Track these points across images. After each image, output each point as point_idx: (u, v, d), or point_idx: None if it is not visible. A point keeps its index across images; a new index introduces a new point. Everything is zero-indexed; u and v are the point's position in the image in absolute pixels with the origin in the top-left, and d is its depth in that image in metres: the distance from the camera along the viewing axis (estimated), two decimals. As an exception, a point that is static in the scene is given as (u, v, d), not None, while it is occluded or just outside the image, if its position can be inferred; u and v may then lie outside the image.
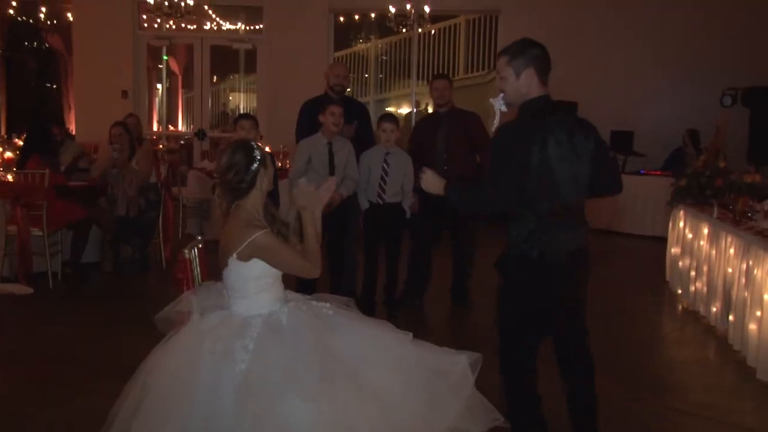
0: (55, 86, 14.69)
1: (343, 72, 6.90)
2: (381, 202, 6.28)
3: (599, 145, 3.48)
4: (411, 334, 3.16)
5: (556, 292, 3.44)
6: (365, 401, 2.83)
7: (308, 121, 6.42)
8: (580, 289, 3.59)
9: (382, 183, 6.25)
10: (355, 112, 6.86)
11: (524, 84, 3.37)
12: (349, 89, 7.23)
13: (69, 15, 13.10)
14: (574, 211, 3.40)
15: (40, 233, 7.15)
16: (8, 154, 8.30)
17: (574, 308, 3.59)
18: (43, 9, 13.51)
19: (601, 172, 3.49)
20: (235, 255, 3.00)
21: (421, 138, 6.82)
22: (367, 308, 6.23)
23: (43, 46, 14.73)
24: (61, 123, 9.24)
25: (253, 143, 3.21)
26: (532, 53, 3.40)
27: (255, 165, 3.10)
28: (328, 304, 3.19)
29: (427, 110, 13.27)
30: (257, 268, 3.01)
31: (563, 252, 3.34)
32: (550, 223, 3.32)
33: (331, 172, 6.07)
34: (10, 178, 7.66)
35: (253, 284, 3.04)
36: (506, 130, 3.42)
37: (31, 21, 13.89)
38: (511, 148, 3.32)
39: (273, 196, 4.74)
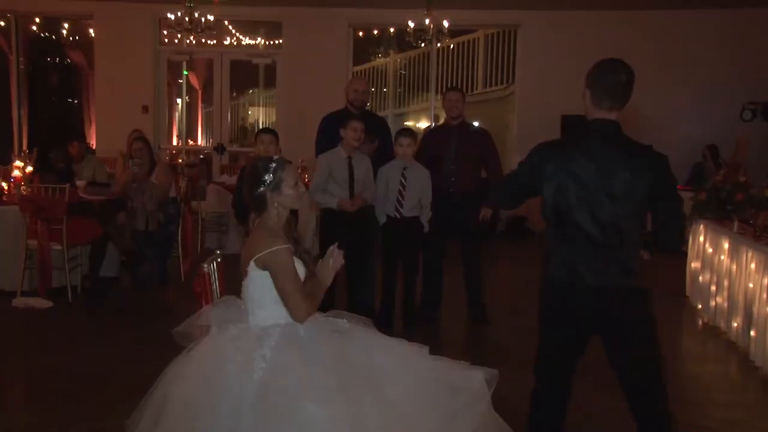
0: (76, 101, 14.81)
1: (363, 87, 6.92)
2: (399, 216, 6.31)
3: (657, 188, 3.19)
4: (428, 347, 3.16)
5: (569, 321, 3.42)
6: (382, 411, 2.84)
7: (328, 136, 6.44)
8: (621, 334, 3.37)
9: (399, 197, 6.29)
10: (376, 126, 6.89)
11: (586, 104, 3.36)
12: (368, 104, 7.25)
13: (91, 31, 13.23)
14: (602, 245, 3.22)
15: (60, 248, 7.20)
16: (29, 169, 8.36)
17: (621, 357, 3.43)
18: (66, 25, 13.71)
19: (654, 218, 3.30)
20: (253, 262, 3.04)
21: (430, 147, 6.85)
22: (386, 322, 6.27)
23: (66, 62, 14.87)
24: (82, 138, 9.27)
25: (269, 165, 3.20)
26: (592, 76, 3.35)
27: (262, 188, 3.14)
28: (344, 320, 3.19)
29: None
30: None
31: (581, 282, 3.26)
32: (564, 249, 3.32)
33: (351, 186, 6.12)
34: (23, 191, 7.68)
35: (272, 294, 3.05)
36: (546, 142, 3.46)
37: (53, 37, 14.05)
38: (532, 157, 3.39)
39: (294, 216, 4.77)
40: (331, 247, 3.25)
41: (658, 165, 3.23)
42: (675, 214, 3.31)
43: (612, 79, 3.27)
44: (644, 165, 3.20)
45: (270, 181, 3.14)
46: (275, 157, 3.29)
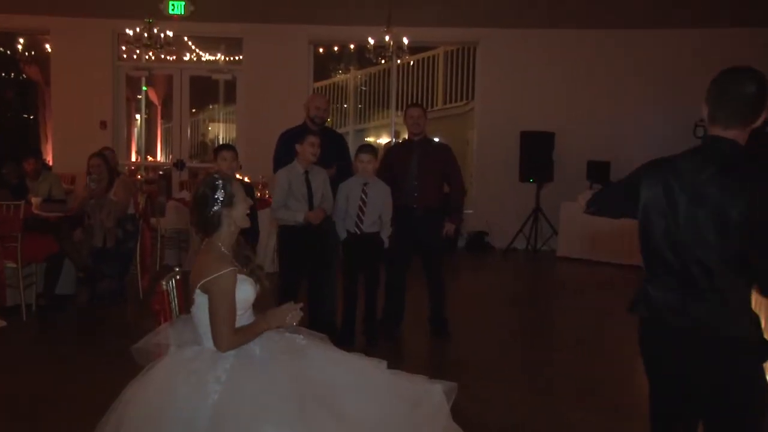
0: (32, 117, 14.68)
1: (324, 104, 6.91)
2: (359, 232, 6.31)
3: (758, 222, 2.63)
4: (386, 362, 3.17)
5: (652, 359, 3.00)
6: (340, 429, 2.83)
7: (285, 151, 6.43)
8: (706, 384, 2.78)
9: (360, 213, 6.29)
10: (334, 142, 6.91)
11: (706, 120, 2.90)
12: (329, 120, 7.29)
13: (47, 46, 13.12)
14: (694, 279, 2.73)
15: (14, 265, 7.11)
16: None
17: (701, 405, 2.86)
18: (21, 40, 13.58)
19: (751, 254, 2.67)
20: (199, 288, 3.03)
21: (393, 163, 6.86)
22: (347, 337, 6.27)
23: (21, 77, 14.74)
24: (38, 154, 9.21)
25: (216, 183, 3.17)
26: (710, 88, 2.87)
27: (216, 207, 3.12)
28: (301, 336, 3.19)
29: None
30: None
31: (664, 319, 2.83)
32: (648, 278, 2.92)
33: (310, 200, 6.13)
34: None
35: None
36: (655, 159, 2.98)
37: (8, 52, 13.93)
38: (638, 169, 2.98)
39: (252, 227, 4.75)
40: (291, 304, 3.20)
41: (765, 194, 2.65)
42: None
43: (733, 91, 2.76)
44: (746, 193, 2.64)
45: (222, 198, 3.12)
46: (216, 175, 3.26)
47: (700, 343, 2.72)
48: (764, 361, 2.73)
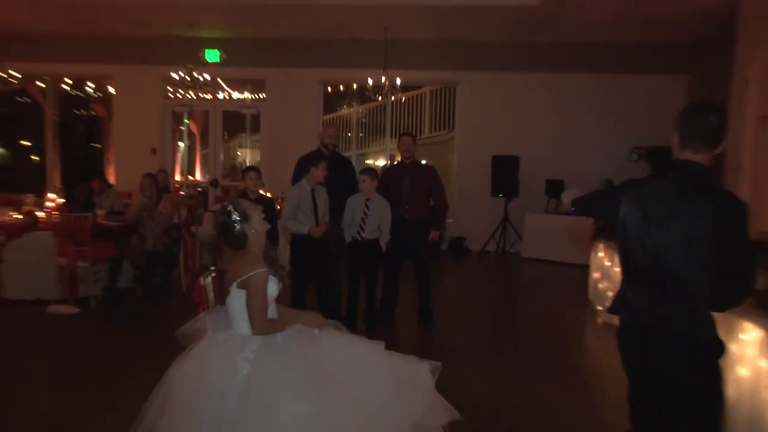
0: (99, 146, 14.75)
1: (335, 133, 6.92)
2: (360, 238, 6.31)
3: (720, 236, 2.55)
4: (384, 344, 3.16)
5: (629, 356, 2.90)
6: (347, 401, 2.83)
7: (303, 172, 6.46)
8: (670, 376, 2.71)
9: (362, 223, 6.29)
10: (343, 165, 6.89)
11: (674, 145, 2.79)
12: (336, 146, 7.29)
13: (110, 89, 13.19)
14: (663, 284, 2.68)
15: (85, 264, 7.21)
16: (60, 200, 8.38)
17: (668, 398, 2.74)
18: (90, 84, 13.65)
19: (714, 269, 2.59)
20: (236, 284, 3.02)
21: (389, 183, 6.78)
22: (350, 325, 6.26)
23: (90, 114, 14.81)
24: (102, 175, 9.25)
25: (227, 207, 3.17)
26: (680, 118, 2.77)
27: (237, 225, 3.12)
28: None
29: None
30: None
31: (637, 318, 2.77)
32: (625, 282, 2.86)
33: (315, 213, 6.10)
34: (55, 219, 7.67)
35: None
36: (632, 179, 2.91)
37: (80, 94, 14.00)
38: (619, 186, 2.90)
39: (272, 236, 4.76)
40: (331, 322, 3.28)
41: (726, 215, 2.57)
42: (731, 270, 2.58)
43: (702, 121, 2.70)
44: (712, 212, 2.57)
45: (239, 217, 3.12)
46: (225, 203, 3.25)
47: (666, 340, 2.66)
48: (720, 357, 2.65)
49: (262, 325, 3.03)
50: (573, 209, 3.16)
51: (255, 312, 3.02)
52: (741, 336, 3.81)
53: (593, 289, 7.85)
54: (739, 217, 2.56)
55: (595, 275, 7.76)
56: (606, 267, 7.25)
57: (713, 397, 2.66)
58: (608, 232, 7.07)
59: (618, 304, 2.84)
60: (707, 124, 2.68)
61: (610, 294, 6.92)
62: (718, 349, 2.66)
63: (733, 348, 3.81)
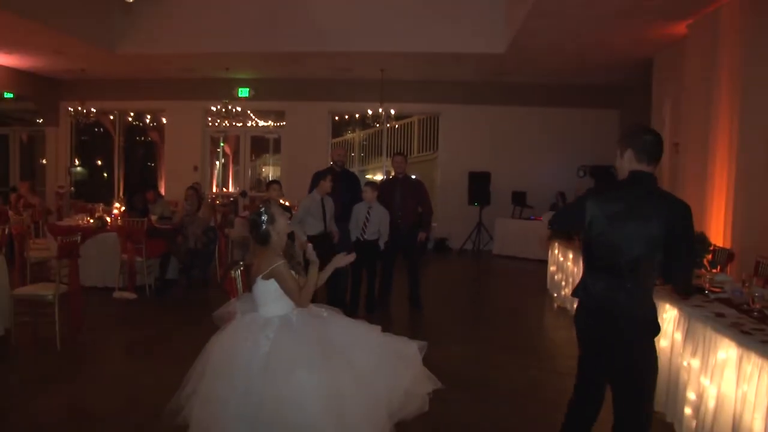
0: (153, 164, 14.86)
1: (343, 152, 7.02)
2: (362, 239, 6.32)
3: (670, 235, 2.56)
4: (380, 327, 3.15)
5: (584, 332, 2.85)
6: (351, 373, 2.81)
7: (316, 184, 6.42)
8: (617, 349, 2.68)
9: (364, 226, 6.31)
10: (351, 179, 6.86)
11: (625, 160, 2.74)
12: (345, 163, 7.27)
13: (163, 119, 13.26)
14: (621, 274, 2.64)
15: (141, 259, 7.25)
16: (123, 208, 8.51)
17: (612, 366, 2.73)
18: (148, 116, 13.77)
19: (666, 260, 2.60)
20: (260, 277, 2.98)
21: (384, 194, 6.69)
22: (353, 309, 6.29)
23: (147, 140, 14.91)
24: (156, 188, 9.28)
25: (260, 209, 3.12)
26: (630, 139, 2.74)
27: (264, 225, 3.07)
28: (323, 310, 3.16)
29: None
30: (274, 285, 2.98)
31: (596, 302, 2.73)
32: (587, 272, 2.80)
33: (324, 218, 6.10)
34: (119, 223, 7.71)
35: (272, 296, 2.99)
36: (593, 190, 2.85)
37: (140, 123, 14.10)
38: (585, 195, 2.81)
39: (291, 237, 4.75)
40: (344, 253, 3.26)
41: (674, 216, 2.57)
42: (682, 258, 2.59)
43: (650, 140, 2.69)
44: (663, 214, 2.57)
45: (266, 218, 3.07)
46: (260, 205, 3.19)
47: (616, 319, 2.65)
48: (656, 335, 2.67)
49: (300, 300, 2.99)
50: (552, 227, 3.03)
51: (291, 293, 2.97)
52: (663, 315, 3.87)
53: (550, 280, 7.86)
54: (686, 215, 2.57)
55: (552, 268, 7.78)
56: (561, 262, 7.28)
57: (648, 367, 2.67)
58: (560, 235, 7.09)
59: (580, 290, 2.81)
60: (656, 142, 2.69)
61: (563, 283, 7.01)
62: (656, 329, 2.68)
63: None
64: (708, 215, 6.53)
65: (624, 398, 2.67)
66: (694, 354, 3.42)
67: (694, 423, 3.34)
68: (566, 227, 3.25)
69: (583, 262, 2.84)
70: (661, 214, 2.57)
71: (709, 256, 4.00)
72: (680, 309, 3.69)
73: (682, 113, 7.55)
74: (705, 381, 3.26)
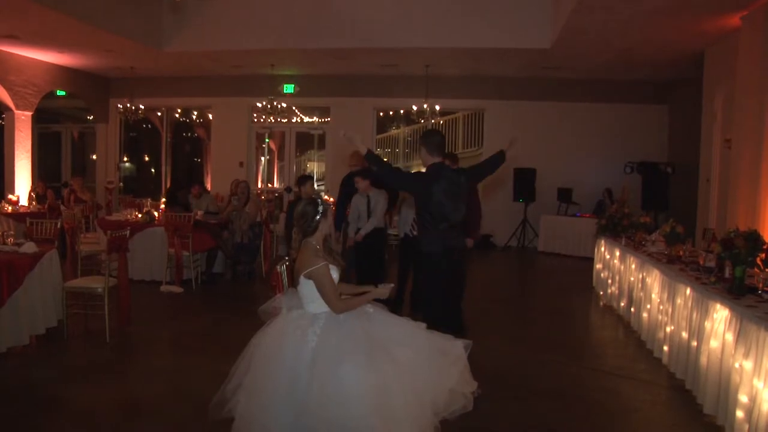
0: (199, 160, 15.20)
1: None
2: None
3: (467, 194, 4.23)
4: (425, 324, 3.15)
5: (439, 265, 4.08)
6: (396, 368, 2.81)
7: (347, 185, 6.44)
8: (456, 270, 4.31)
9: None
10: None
11: (423, 154, 4.22)
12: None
13: (210, 115, 13.55)
14: (454, 226, 4.11)
15: (188, 253, 7.36)
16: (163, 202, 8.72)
17: (453, 282, 4.33)
18: (195, 112, 14.10)
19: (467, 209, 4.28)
20: (303, 276, 2.98)
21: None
22: (396, 307, 6.17)
23: (194, 136, 15.28)
24: (202, 183, 9.50)
25: (319, 200, 3.14)
26: (426, 139, 4.23)
27: (318, 216, 3.09)
28: (369, 306, 3.15)
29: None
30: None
31: (443, 245, 4.06)
32: (434, 227, 4.09)
33: (369, 212, 6.11)
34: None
35: (317, 294, 2.99)
36: (420, 172, 4.40)
37: (187, 120, 14.44)
38: (420, 175, 4.30)
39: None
40: (387, 284, 3.17)
41: (467, 179, 4.18)
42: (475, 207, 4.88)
43: (438, 140, 4.20)
44: (463, 179, 4.14)
45: (322, 211, 3.10)
46: (314, 196, 3.21)
47: (454, 254, 4.11)
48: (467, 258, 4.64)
49: (337, 305, 2.97)
50: (375, 169, 4.37)
51: (328, 297, 2.95)
52: (714, 315, 3.75)
53: (596, 278, 7.75)
54: (467, 180, 4.23)
55: (598, 266, 7.65)
56: (607, 260, 7.15)
57: (464, 277, 4.98)
58: (610, 229, 7.02)
59: (434, 241, 4.05)
60: (441, 141, 4.19)
61: (609, 281, 6.89)
62: (466, 255, 4.58)
63: (706, 325, 3.85)
64: (761, 213, 6.29)
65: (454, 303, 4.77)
66: (746, 355, 3.31)
67: (746, 427, 3.23)
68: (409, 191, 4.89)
69: (429, 223, 4.12)
70: (465, 185, 4.17)
71: (763, 255, 3.85)
72: (732, 309, 3.57)
73: (735, 108, 7.28)
74: (758, 383, 3.15)
